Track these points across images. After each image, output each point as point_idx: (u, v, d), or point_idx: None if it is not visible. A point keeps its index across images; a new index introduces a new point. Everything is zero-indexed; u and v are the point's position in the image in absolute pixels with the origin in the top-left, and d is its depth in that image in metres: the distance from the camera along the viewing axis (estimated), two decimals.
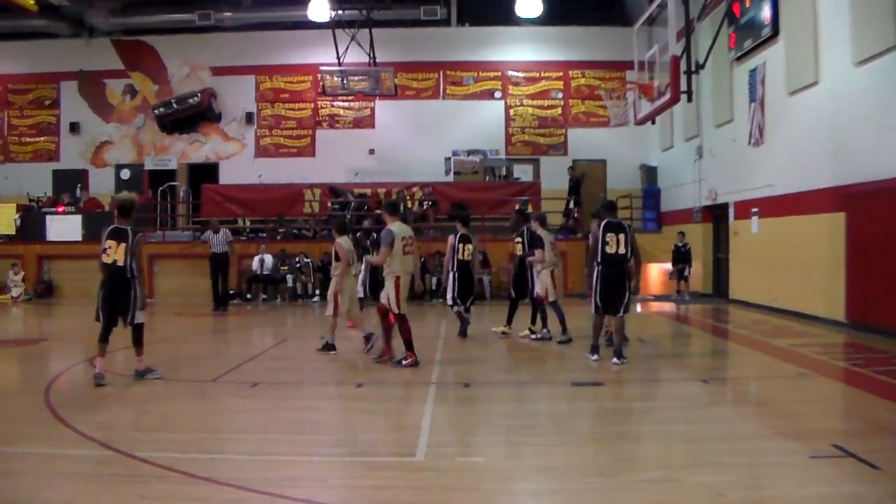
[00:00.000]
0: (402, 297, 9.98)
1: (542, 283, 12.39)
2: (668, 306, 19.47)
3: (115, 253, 8.84)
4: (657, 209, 24.73)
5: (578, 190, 24.18)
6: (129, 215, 9.13)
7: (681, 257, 20.74)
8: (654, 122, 18.17)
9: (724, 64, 18.76)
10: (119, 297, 8.93)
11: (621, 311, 10.14)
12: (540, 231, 12.58)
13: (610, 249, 9.98)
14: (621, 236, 10.02)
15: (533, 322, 12.90)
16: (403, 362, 9.99)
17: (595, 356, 10.31)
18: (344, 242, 11.40)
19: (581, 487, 5.25)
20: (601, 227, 10.09)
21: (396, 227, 10.02)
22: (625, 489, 5.23)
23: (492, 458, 6.09)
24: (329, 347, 11.31)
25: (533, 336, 12.72)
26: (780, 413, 7.55)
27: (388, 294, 10.03)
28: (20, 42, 27.29)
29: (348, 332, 12.48)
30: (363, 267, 14.35)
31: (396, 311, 10.02)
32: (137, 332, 9.15)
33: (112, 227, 8.98)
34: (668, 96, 14.07)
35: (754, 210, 17.56)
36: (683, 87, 14.25)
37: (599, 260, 10.05)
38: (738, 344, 12.69)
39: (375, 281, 13.23)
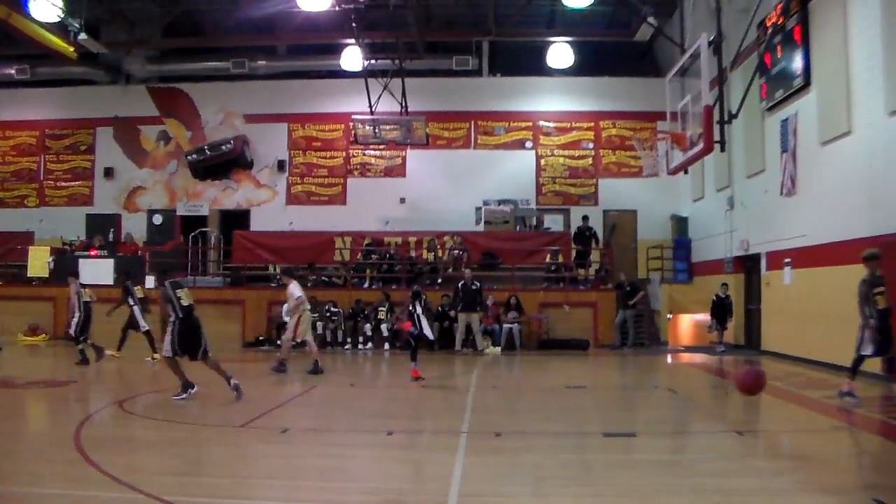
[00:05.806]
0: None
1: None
2: (700, 357, 19.20)
3: None
4: (688, 260, 24.59)
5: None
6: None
7: (722, 308, 20.28)
8: (686, 172, 18.04)
9: (756, 114, 18.65)
10: None
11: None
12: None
13: (185, 302, 11.30)
14: (188, 291, 11.68)
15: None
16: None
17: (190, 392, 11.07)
18: (292, 287, 14.68)
19: None
20: (169, 286, 11.35)
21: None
22: None
23: None
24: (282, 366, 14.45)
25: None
26: (816, 467, 7.34)
27: None
28: (59, 88, 28.02)
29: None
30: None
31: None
32: None
33: None
34: (700, 146, 14.02)
35: (787, 261, 17.37)
36: (716, 136, 14.21)
37: (182, 315, 11.18)
38: (772, 396, 12.41)
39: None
